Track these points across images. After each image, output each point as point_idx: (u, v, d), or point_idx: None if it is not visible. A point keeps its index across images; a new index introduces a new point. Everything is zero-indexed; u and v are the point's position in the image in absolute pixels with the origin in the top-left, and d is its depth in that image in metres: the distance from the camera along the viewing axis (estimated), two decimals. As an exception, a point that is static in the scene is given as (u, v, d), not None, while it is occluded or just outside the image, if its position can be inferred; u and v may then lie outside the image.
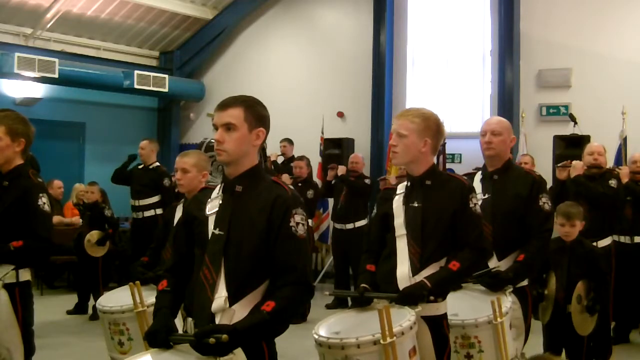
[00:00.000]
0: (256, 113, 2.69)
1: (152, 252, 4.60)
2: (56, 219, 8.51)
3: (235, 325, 2.46)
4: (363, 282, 3.27)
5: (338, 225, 8.70)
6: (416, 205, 3.23)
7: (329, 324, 3.04)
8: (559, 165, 6.38)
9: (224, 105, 2.68)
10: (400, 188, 3.36)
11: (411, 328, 2.92)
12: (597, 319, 4.67)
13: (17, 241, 3.59)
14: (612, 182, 6.01)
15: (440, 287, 3.12)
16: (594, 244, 5.75)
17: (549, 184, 7.35)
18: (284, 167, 9.43)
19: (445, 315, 3.20)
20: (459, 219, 3.19)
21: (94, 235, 7.85)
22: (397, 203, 3.30)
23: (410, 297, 3.04)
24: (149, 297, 3.77)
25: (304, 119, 11.03)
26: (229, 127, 2.64)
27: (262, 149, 2.92)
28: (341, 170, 8.78)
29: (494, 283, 3.62)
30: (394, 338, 2.78)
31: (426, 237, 3.18)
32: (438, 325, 3.15)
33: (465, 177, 3.61)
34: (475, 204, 3.25)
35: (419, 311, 3.02)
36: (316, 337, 2.91)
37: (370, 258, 3.39)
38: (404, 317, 2.93)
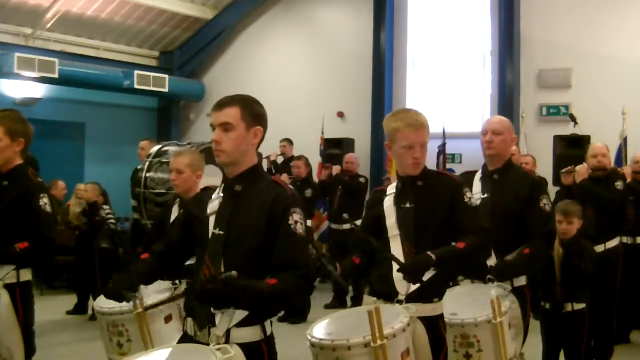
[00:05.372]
0: (253, 111, 2.69)
1: (144, 248, 4.59)
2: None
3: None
4: (343, 267, 3.27)
5: (334, 226, 8.69)
6: (408, 205, 3.22)
7: (324, 324, 3.03)
8: (562, 170, 6.12)
9: (220, 105, 2.68)
10: (390, 189, 3.35)
11: (404, 330, 2.89)
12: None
13: (22, 242, 3.60)
14: (618, 184, 5.85)
15: (443, 261, 3.06)
16: (602, 245, 5.71)
17: (550, 184, 7.38)
18: (283, 166, 9.43)
19: (441, 316, 3.18)
20: (455, 213, 3.16)
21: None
22: (388, 204, 3.29)
23: (414, 266, 3.03)
24: (149, 298, 3.77)
25: (304, 119, 11.03)
26: (226, 127, 2.63)
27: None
28: (335, 169, 8.82)
29: (500, 272, 3.63)
30: (385, 340, 2.76)
31: (419, 236, 3.16)
32: (434, 326, 3.12)
33: (456, 174, 3.61)
34: (469, 197, 3.23)
35: (414, 312, 2.99)
36: (309, 337, 2.91)
37: (358, 252, 3.39)
38: (397, 319, 2.90)
